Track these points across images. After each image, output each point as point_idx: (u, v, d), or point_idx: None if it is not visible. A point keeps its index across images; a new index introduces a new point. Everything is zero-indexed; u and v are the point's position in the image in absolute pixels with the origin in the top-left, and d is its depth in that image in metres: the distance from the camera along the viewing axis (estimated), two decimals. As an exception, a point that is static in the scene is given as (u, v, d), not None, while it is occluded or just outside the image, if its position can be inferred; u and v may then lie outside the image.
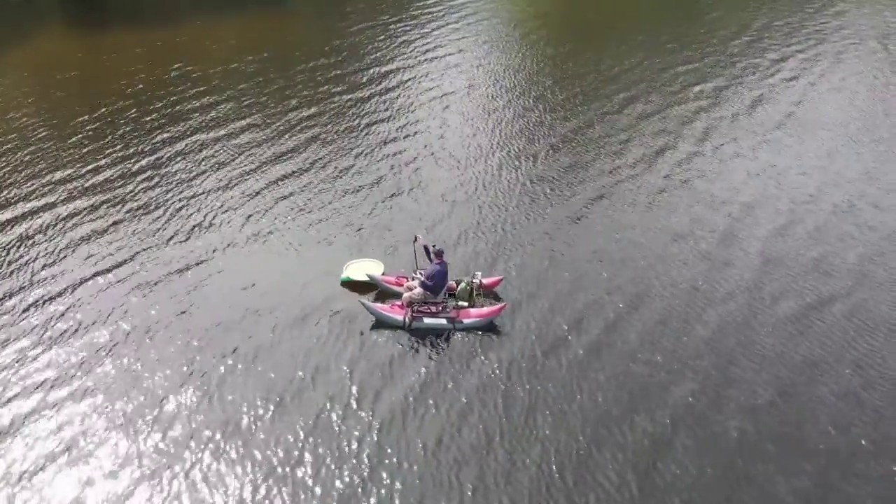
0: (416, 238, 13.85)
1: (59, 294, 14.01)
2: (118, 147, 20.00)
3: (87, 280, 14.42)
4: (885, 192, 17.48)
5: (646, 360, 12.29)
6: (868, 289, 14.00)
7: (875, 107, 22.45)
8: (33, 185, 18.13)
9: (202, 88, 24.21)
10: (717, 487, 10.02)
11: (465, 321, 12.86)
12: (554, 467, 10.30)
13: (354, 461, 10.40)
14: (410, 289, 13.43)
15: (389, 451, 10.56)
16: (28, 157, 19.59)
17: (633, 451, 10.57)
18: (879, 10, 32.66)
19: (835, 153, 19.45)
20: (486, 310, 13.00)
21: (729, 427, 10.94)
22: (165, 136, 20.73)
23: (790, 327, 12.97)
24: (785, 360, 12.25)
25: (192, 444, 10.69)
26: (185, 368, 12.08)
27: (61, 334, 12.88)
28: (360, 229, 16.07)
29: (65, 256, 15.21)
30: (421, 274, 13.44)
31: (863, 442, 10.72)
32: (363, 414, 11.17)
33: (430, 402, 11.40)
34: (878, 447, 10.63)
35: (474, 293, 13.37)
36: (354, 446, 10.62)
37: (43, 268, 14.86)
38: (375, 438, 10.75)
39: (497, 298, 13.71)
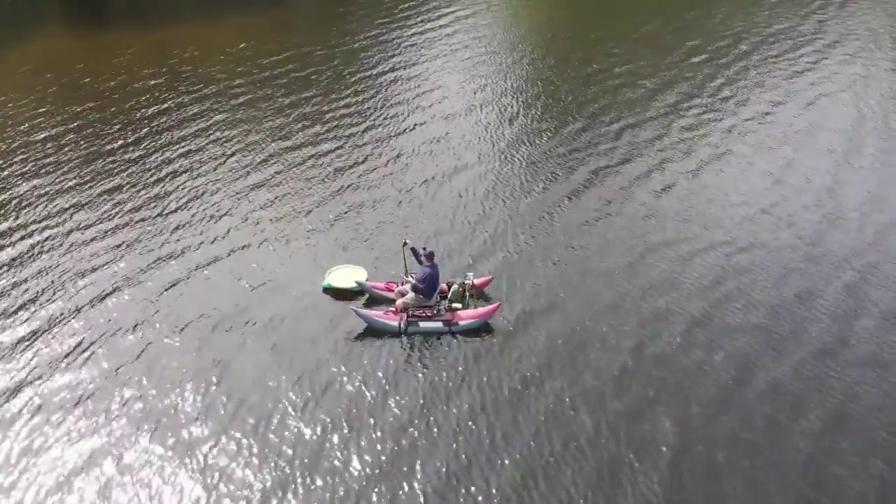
0: (405, 242, 13.64)
1: (47, 291, 13.91)
2: (115, 147, 19.70)
3: (70, 278, 14.26)
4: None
5: (642, 351, 12.40)
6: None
7: (875, 115, 22.23)
8: (31, 183, 17.81)
9: (200, 89, 23.71)
10: (721, 491, 10.10)
11: (461, 323, 12.74)
12: (553, 464, 10.30)
13: (358, 465, 10.20)
14: (402, 294, 13.22)
15: (393, 453, 10.39)
16: (27, 156, 19.20)
17: (631, 445, 10.63)
18: (878, 14, 33.00)
19: (832, 163, 19.21)
20: (481, 310, 12.89)
21: (737, 428, 11.02)
22: (162, 136, 20.39)
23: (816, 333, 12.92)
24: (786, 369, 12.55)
25: (179, 458, 10.31)
26: (168, 385, 11.60)
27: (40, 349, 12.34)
28: (343, 235, 15.73)
29: (54, 254, 15.10)
30: (412, 278, 13.25)
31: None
32: (367, 419, 10.95)
33: (433, 404, 11.26)
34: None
35: (467, 294, 13.24)
36: (358, 450, 10.42)
37: (36, 264, 14.77)
38: (379, 443, 10.56)
39: (487, 298, 13.62)
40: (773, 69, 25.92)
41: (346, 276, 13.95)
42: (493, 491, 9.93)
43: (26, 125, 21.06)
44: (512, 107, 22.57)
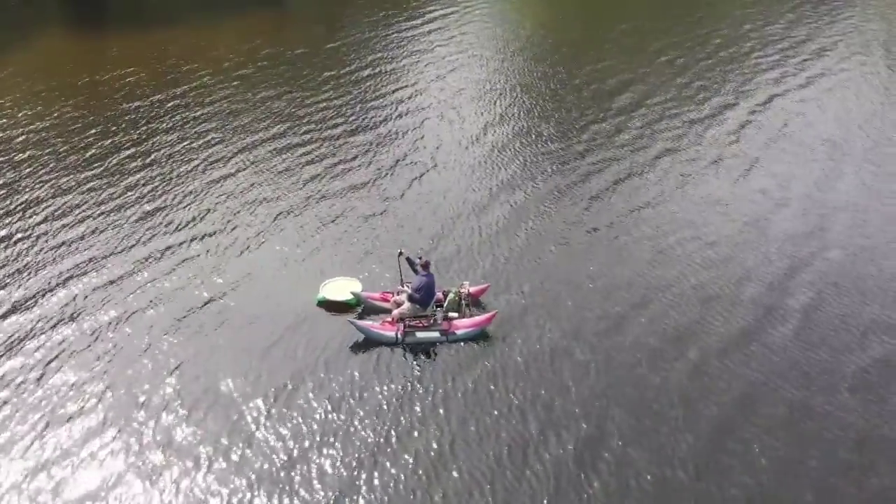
0: (400, 251, 13.60)
1: (41, 294, 14.06)
2: (113, 150, 19.78)
3: (65, 287, 14.21)
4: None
5: (637, 358, 12.40)
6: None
7: (870, 124, 21.96)
8: (31, 184, 17.94)
9: (199, 91, 23.76)
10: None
11: (458, 332, 12.71)
12: (547, 470, 10.30)
13: (357, 475, 10.16)
14: (398, 304, 13.18)
15: (391, 463, 10.35)
16: (26, 157, 19.32)
17: (625, 451, 10.63)
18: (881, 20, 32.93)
19: (824, 172, 19.04)
20: (477, 319, 12.86)
21: (733, 437, 11.00)
22: (160, 138, 20.48)
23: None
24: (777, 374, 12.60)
25: (171, 472, 10.25)
26: (161, 403, 11.48)
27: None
28: (335, 246, 15.64)
29: (52, 256, 15.12)
30: (408, 287, 13.21)
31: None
32: (366, 429, 10.90)
33: (431, 414, 11.24)
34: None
35: (463, 303, 13.21)
36: (357, 460, 10.38)
37: (33, 264, 14.89)
38: (378, 453, 10.52)
39: (483, 306, 13.59)
40: (752, 70, 26.18)
41: (340, 288, 13.86)
42: (489, 500, 9.91)
43: (22, 124, 21.18)
44: (504, 112, 22.58)
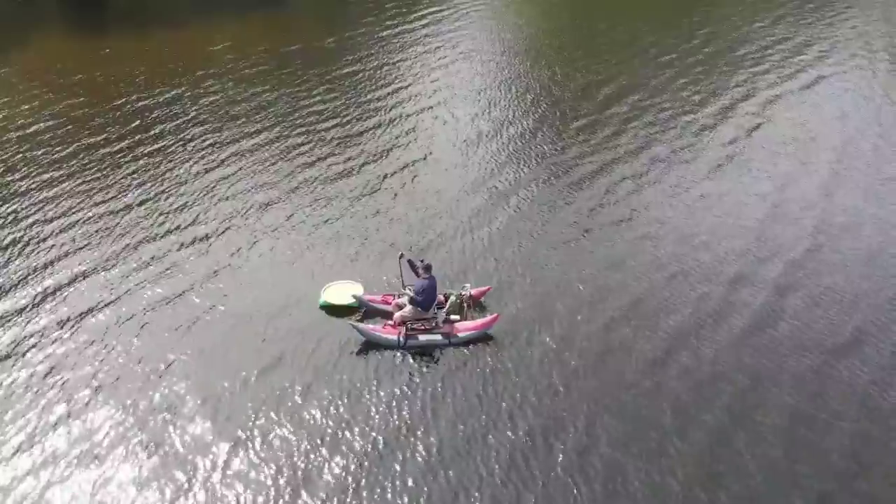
0: (401, 254, 13.57)
1: (33, 291, 14.03)
2: (110, 148, 19.78)
3: (58, 284, 14.20)
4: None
5: (632, 363, 12.38)
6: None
7: (859, 125, 21.94)
8: (27, 183, 17.99)
9: (198, 91, 23.76)
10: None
11: (460, 335, 12.68)
12: (547, 474, 10.29)
13: (359, 481, 10.14)
14: (400, 306, 13.15)
15: (394, 468, 10.34)
16: (24, 153, 19.42)
17: (615, 456, 10.61)
18: (872, 21, 32.85)
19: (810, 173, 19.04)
20: (480, 321, 12.84)
21: (725, 443, 11.00)
22: (158, 138, 20.47)
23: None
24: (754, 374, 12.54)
25: (170, 476, 10.24)
26: (164, 403, 11.45)
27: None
28: (336, 249, 15.59)
29: (46, 254, 15.12)
30: (409, 290, 13.18)
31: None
32: (368, 432, 10.89)
33: (433, 418, 11.22)
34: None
35: (465, 305, 13.18)
36: (359, 465, 10.36)
37: (26, 262, 14.91)
38: (381, 457, 10.50)
39: (485, 308, 13.56)
40: (749, 71, 26.21)
41: (342, 291, 13.82)
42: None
43: (21, 123, 21.26)
44: (499, 111, 22.57)
